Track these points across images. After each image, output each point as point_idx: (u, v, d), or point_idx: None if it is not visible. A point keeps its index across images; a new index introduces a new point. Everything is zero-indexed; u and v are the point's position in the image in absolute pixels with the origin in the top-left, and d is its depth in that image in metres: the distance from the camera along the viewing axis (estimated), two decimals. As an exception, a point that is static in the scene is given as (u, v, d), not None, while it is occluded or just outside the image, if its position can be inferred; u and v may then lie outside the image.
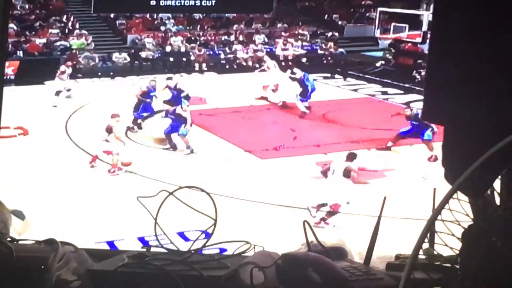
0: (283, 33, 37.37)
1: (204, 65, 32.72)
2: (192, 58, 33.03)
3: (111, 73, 30.66)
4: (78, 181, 15.51)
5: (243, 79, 29.73)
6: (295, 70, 23.78)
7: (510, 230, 1.61)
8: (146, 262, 2.17)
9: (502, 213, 1.72)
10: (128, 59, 32.28)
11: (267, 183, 15.06)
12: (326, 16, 41.25)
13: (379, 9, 31.95)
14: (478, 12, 1.74)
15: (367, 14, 38.92)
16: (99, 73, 30.51)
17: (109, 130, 16.52)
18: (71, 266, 2.21)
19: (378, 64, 32.25)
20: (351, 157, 15.18)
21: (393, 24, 32.55)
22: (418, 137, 17.94)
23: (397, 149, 18.38)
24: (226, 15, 38.85)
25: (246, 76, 30.42)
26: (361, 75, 31.02)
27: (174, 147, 18.02)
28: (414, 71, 29.63)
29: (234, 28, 37.97)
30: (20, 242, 2.44)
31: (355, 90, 28.00)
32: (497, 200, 1.80)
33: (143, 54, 32.99)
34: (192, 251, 2.23)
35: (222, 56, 34.05)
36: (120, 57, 32.21)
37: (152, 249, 2.31)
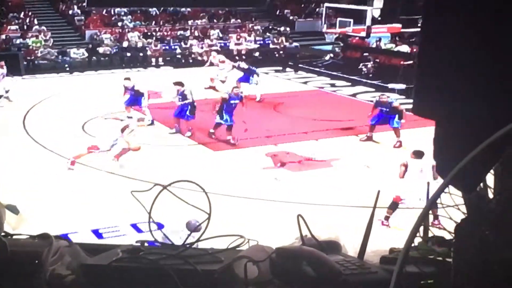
0: (237, 29, 37.41)
1: (160, 59, 32.58)
2: (149, 53, 32.86)
3: (67, 68, 30.32)
4: (71, 176, 15.36)
5: (198, 73, 29.65)
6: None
7: (502, 224, 1.58)
8: (140, 256, 2.11)
9: (494, 206, 1.69)
10: (86, 54, 31.96)
11: (219, 175, 15.05)
12: (278, 11, 41.31)
13: (326, 4, 32.02)
14: (470, 5, 1.72)
15: (317, 9, 39.05)
16: (57, 69, 30.17)
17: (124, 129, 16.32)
18: (65, 261, 2.15)
19: (327, 58, 32.44)
20: None
21: (338, 19, 32.68)
22: (387, 124, 18.19)
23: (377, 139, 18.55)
24: (182, 10, 38.68)
25: (201, 70, 30.35)
26: (311, 68, 31.19)
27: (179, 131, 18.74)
28: (361, 64, 29.89)
29: (190, 23, 37.85)
30: (14, 236, 2.38)
31: (305, 82, 28.16)
32: (490, 194, 1.79)
33: (100, 49, 32.72)
34: (187, 245, 2.19)
35: (178, 50, 33.91)
36: (78, 53, 31.89)
37: (146, 244, 2.24)
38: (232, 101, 18.34)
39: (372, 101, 22.67)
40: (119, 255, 2.12)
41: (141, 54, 32.82)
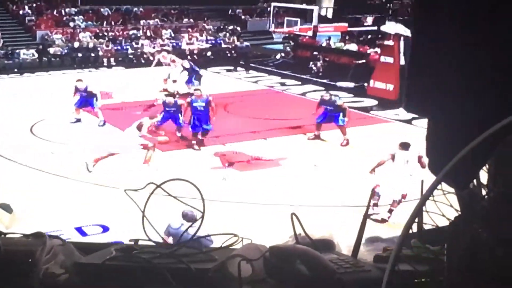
0: (189, 29, 37.26)
1: (112, 60, 32.26)
2: (100, 53, 32.51)
3: (16, 70, 29.78)
4: (65, 175, 15.11)
5: (149, 73, 29.44)
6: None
7: (495, 221, 1.55)
8: (134, 255, 2.10)
9: (487, 204, 1.67)
10: (36, 55, 31.47)
11: (167, 175, 14.86)
12: (230, 10, 41.28)
13: (273, 4, 32.14)
14: (463, 3, 1.69)
15: (268, 9, 39.11)
16: (7, 70, 29.64)
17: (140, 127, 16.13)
18: (59, 260, 2.13)
19: (278, 57, 32.48)
20: None
21: (286, 18, 32.82)
22: (332, 122, 18.24)
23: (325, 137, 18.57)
24: (134, 9, 38.42)
25: (153, 70, 30.15)
26: (262, 67, 31.21)
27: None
28: (311, 63, 29.99)
29: (142, 23, 37.57)
30: (7, 235, 2.34)
31: (256, 82, 28.14)
32: (483, 191, 1.76)
33: (51, 50, 32.26)
34: (181, 244, 2.18)
35: (130, 51, 33.61)
36: (28, 53, 31.37)
37: (140, 242, 2.23)
38: (195, 104, 17.97)
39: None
40: (112, 253, 2.11)
41: (92, 55, 32.43)
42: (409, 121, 20.69)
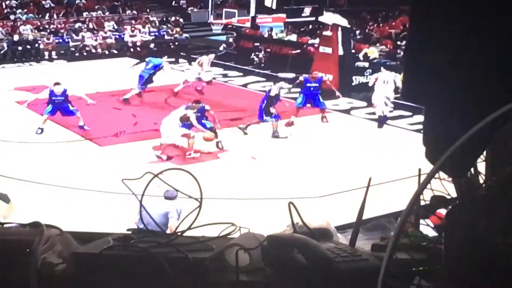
0: (132, 20, 36.74)
1: (53, 53, 31.57)
2: (42, 46, 31.77)
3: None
4: (63, 164, 14.96)
5: (91, 66, 28.97)
6: None
7: (492, 209, 1.53)
8: (131, 244, 2.08)
9: (484, 192, 1.65)
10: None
11: (106, 170, 14.57)
12: (174, 2, 40.88)
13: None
14: None
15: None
16: None
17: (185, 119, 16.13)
18: (56, 249, 2.13)
19: (221, 48, 32.22)
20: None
21: (224, 9, 32.69)
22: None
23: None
24: (77, 2, 37.76)
25: (94, 63, 29.68)
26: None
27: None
28: (253, 54, 29.84)
29: (84, 15, 36.91)
30: (4, 225, 2.34)
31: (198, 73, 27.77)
32: (481, 180, 1.76)
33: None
34: (178, 233, 2.15)
35: (71, 44, 32.92)
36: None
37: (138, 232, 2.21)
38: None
39: (262, 91, 22.76)
40: (110, 243, 2.10)
41: (33, 48, 31.65)
42: (347, 111, 20.77)
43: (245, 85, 25.37)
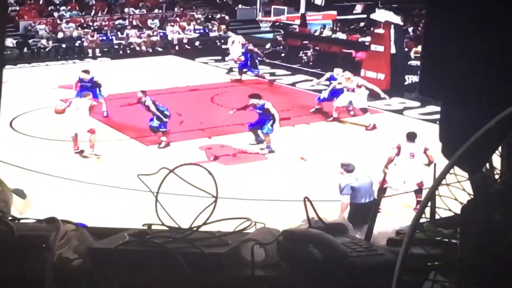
0: (177, 18, 37.06)
1: (97, 50, 32.04)
2: (85, 44, 32.26)
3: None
4: (78, 160, 15.48)
5: (136, 64, 29.32)
6: None
7: (508, 204, 1.58)
8: (147, 240, 2.13)
9: (500, 187, 1.69)
10: (11, 45, 31.04)
11: (152, 170, 14.72)
12: (219, -1, 41.11)
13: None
14: None
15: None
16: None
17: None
18: (72, 245, 2.19)
19: (267, 46, 32.30)
20: None
21: (273, 7, 32.72)
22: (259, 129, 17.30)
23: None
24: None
25: (139, 61, 30.01)
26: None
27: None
28: (301, 52, 29.83)
29: (126, 11, 37.33)
30: (21, 220, 2.39)
31: (245, 72, 27.89)
32: (496, 175, 1.80)
33: (35, 41, 32.00)
34: (193, 228, 2.19)
35: (115, 41, 33.36)
36: (6, 43, 30.90)
37: (153, 227, 2.26)
38: None
39: (311, 90, 22.80)
40: (126, 238, 2.14)
41: (77, 45, 32.16)
42: (400, 111, 20.63)
43: (293, 84, 25.38)
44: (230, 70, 26.67)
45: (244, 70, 25.46)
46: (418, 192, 12.58)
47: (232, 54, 27.25)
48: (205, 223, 2.22)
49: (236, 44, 27.24)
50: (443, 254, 1.96)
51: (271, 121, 16.89)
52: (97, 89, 20.08)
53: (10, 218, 2.40)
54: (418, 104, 20.76)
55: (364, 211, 10.35)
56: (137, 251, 2.09)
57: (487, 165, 1.80)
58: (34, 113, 20.29)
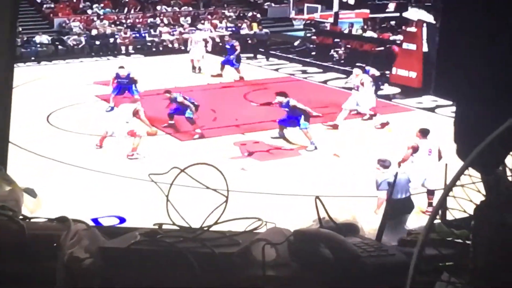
0: (209, 16, 37.24)
1: (130, 47, 32.32)
2: (119, 41, 32.56)
3: (32, 58, 29.62)
4: (89, 159, 15.48)
5: (169, 61, 29.54)
6: None
7: None
8: (158, 239, 2.15)
9: None
10: (47, 41, 31.43)
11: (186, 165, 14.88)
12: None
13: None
14: None
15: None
16: (23, 58, 29.49)
17: (135, 113, 16.50)
18: (83, 244, 2.17)
19: (296, 43, 32.37)
20: None
21: (306, 5, 32.71)
22: (296, 126, 17.23)
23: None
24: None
25: (172, 58, 30.22)
26: (283, 54, 31.08)
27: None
28: (332, 50, 29.84)
29: (158, 8, 37.59)
30: (32, 220, 2.42)
31: (277, 69, 28.03)
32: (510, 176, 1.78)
33: (69, 38, 32.36)
34: (204, 228, 2.21)
35: (148, 38, 33.64)
36: (41, 40, 31.32)
37: (164, 226, 2.26)
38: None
39: (343, 87, 22.86)
40: (137, 238, 2.14)
41: (110, 42, 32.48)
42: (432, 109, 20.60)
43: (325, 82, 25.43)
44: (198, 69, 26.89)
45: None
46: (430, 193, 12.62)
47: (193, 54, 27.41)
48: (216, 223, 2.23)
49: (200, 43, 27.58)
50: (455, 255, 1.96)
51: (303, 116, 16.96)
52: (133, 85, 20.34)
53: (21, 217, 2.41)
54: (451, 102, 20.62)
55: (400, 206, 10.48)
56: (148, 251, 2.09)
57: (501, 166, 1.78)
58: (70, 108, 20.55)
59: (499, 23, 1.68)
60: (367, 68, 20.60)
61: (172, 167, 2.28)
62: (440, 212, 2.06)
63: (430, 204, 12.57)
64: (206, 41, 28.38)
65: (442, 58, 1.89)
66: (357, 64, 20.92)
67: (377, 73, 20.71)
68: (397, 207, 10.19)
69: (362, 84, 19.20)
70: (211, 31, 33.71)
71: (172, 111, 18.37)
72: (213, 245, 2.10)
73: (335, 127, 18.39)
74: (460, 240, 2.03)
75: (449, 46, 1.83)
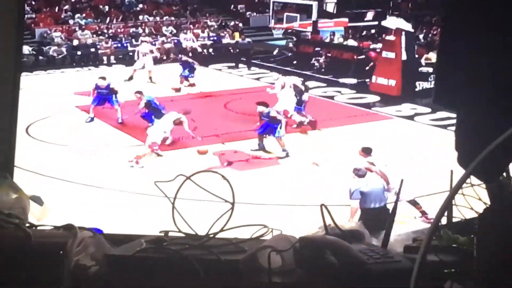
0: (191, 25, 37.24)
1: (112, 57, 32.25)
2: (100, 51, 32.48)
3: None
4: (95, 167, 15.56)
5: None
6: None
7: None
8: (164, 247, 2.15)
9: None
10: (28, 52, 31.26)
11: (165, 177, 14.85)
12: (232, 6, 41.24)
13: (272, -1, 32.29)
14: None
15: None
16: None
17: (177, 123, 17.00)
18: (89, 251, 2.18)
19: (275, 52, 32.47)
20: None
21: (285, 14, 32.90)
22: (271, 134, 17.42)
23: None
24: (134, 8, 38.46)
25: (154, 68, 30.07)
26: (264, 64, 31.11)
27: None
28: (313, 59, 29.92)
29: (140, 18, 37.55)
30: (38, 227, 2.43)
31: (258, 79, 28.06)
32: None
33: (51, 48, 32.25)
34: (210, 235, 2.22)
35: (130, 48, 33.57)
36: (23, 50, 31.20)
37: (170, 234, 2.27)
38: None
39: (324, 96, 22.98)
40: (143, 245, 2.14)
41: (92, 52, 32.39)
42: (411, 117, 20.73)
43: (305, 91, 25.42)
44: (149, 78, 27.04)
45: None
46: (413, 203, 12.49)
47: (138, 65, 27.77)
48: (222, 230, 2.24)
49: (148, 55, 27.93)
50: (459, 261, 1.97)
51: (280, 125, 17.17)
52: (113, 96, 20.33)
53: (27, 225, 2.43)
54: (429, 110, 20.83)
55: (375, 216, 10.49)
56: (154, 258, 2.10)
57: (504, 173, 1.81)
58: (50, 119, 20.49)
59: (498, 32, 1.69)
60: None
61: (178, 174, 2.32)
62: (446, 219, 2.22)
63: (423, 213, 12.54)
64: (152, 52, 28.49)
65: (442, 68, 1.90)
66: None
67: (300, 86, 20.85)
68: (371, 217, 10.23)
69: (283, 86, 19.90)
70: (193, 41, 33.78)
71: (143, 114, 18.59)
72: (219, 252, 2.11)
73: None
74: (464, 247, 2.05)
75: (449, 55, 1.84)
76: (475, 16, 1.74)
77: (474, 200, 1.94)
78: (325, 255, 2.05)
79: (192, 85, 24.66)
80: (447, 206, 1.66)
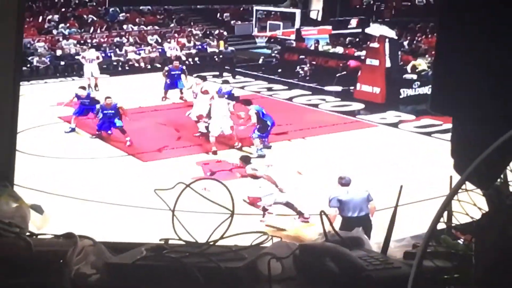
0: (175, 34, 37.17)
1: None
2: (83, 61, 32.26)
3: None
4: (95, 176, 15.53)
5: (135, 80, 29.38)
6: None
7: None
8: (164, 254, 2.15)
9: None
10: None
11: (150, 186, 14.78)
12: (218, 14, 41.23)
13: (255, 7, 32.30)
14: (487, 4, 1.73)
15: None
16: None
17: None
18: (90, 260, 2.19)
19: (260, 61, 32.45)
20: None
21: (269, 22, 32.98)
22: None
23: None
24: (119, 17, 38.36)
25: (138, 78, 30.07)
26: (249, 72, 31.07)
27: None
28: (298, 67, 29.89)
29: (125, 27, 37.46)
30: (39, 236, 2.44)
31: (242, 87, 27.98)
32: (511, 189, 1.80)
33: (34, 59, 32.07)
34: (210, 243, 2.23)
35: (114, 58, 33.44)
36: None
37: (170, 241, 2.29)
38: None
39: (308, 104, 22.95)
40: (143, 253, 2.17)
41: (75, 62, 32.21)
42: (395, 125, 20.72)
43: (290, 99, 25.44)
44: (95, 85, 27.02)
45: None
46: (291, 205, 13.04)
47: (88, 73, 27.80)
48: (222, 238, 2.27)
49: (94, 62, 28.01)
50: (459, 267, 1.97)
51: (259, 126, 17.63)
52: (96, 106, 20.14)
53: (28, 233, 2.45)
54: (413, 117, 20.87)
55: (355, 225, 10.37)
56: (154, 266, 2.11)
57: (501, 179, 1.83)
58: (33, 130, 20.32)
59: (495, 40, 1.70)
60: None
61: (177, 182, 2.38)
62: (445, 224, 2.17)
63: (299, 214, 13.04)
64: (98, 59, 28.59)
65: (438, 75, 1.92)
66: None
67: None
68: (350, 225, 10.14)
69: (204, 92, 19.99)
70: (177, 50, 33.71)
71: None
72: (219, 260, 2.12)
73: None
74: (464, 252, 2.04)
75: (445, 63, 1.85)
76: (471, 24, 1.75)
77: (470, 206, 1.91)
78: (325, 261, 2.07)
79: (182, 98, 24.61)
80: (443, 211, 1.64)
